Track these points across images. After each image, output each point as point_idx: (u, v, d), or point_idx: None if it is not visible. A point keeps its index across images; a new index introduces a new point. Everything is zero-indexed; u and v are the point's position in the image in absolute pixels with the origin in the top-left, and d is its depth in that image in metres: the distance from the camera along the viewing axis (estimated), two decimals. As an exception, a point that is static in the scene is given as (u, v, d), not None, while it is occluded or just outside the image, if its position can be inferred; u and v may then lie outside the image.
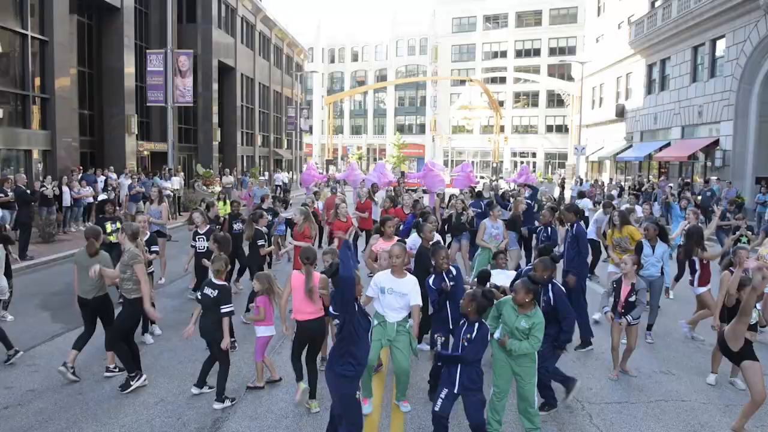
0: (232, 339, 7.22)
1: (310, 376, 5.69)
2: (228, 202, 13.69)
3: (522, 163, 64.43)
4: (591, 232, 11.01)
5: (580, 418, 5.59)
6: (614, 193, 24.16)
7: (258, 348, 6.13)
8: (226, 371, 5.76)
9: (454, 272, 5.99)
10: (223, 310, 5.69)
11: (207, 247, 8.35)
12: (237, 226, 10.03)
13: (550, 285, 5.52)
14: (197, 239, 8.56)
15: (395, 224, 8.10)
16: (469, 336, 4.64)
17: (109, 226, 9.31)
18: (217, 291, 5.73)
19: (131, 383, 5.94)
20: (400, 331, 5.46)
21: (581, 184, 28.78)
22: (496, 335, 4.99)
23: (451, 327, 5.62)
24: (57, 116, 19.64)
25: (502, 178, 46.30)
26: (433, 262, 6.05)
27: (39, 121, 19.53)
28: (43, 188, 15.09)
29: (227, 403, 5.68)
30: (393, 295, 5.42)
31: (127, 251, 6.14)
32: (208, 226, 8.82)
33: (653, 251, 7.86)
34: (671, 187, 23.14)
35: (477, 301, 4.71)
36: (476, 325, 4.67)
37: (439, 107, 70.07)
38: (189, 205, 20.87)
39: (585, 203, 16.13)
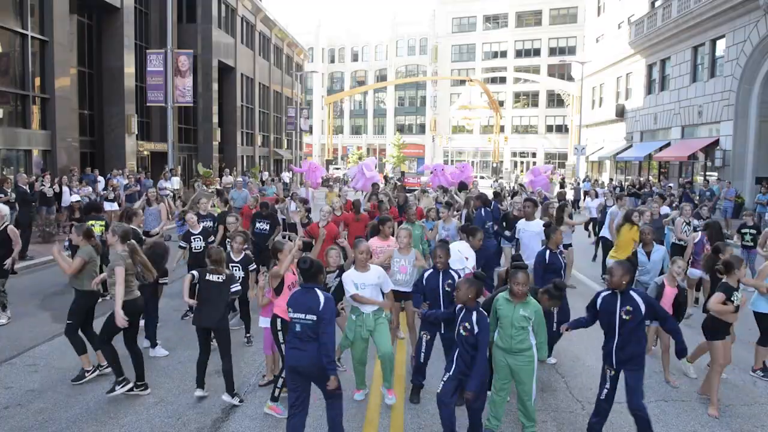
0: (248, 335, 7.47)
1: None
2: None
3: (522, 162, 64.56)
4: (605, 229, 11.36)
5: (580, 418, 5.58)
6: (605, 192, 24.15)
7: (267, 341, 6.15)
8: (230, 362, 5.76)
9: (456, 277, 6.02)
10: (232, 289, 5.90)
11: (203, 246, 8.31)
12: (260, 225, 10.05)
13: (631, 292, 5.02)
14: (193, 239, 8.54)
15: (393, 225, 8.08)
16: (466, 325, 4.75)
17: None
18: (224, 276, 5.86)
19: (116, 388, 5.76)
20: (378, 320, 5.72)
21: (584, 182, 28.90)
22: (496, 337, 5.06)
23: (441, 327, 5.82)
24: (57, 116, 19.65)
25: (501, 178, 46.37)
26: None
27: (39, 121, 19.54)
28: (42, 187, 15.08)
29: (236, 400, 5.71)
30: (366, 289, 5.69)
31: (113, 254, 5.95)
32: (202, 226, 8.78)
33: (648, 258, 7.71)
34: (671, 187, 23.16)
35: (474, 285, 4.81)
36: (474, 313, 4.76)
37: (439, 107, 70.08)
38: (191, 206, 20.85)
39: (589, 204, 16.28)
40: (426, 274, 5.95)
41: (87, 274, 6.24)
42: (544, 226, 7.94)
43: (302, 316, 4.49)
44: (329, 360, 4.40)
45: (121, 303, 5.68)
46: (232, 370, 5.72)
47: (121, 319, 5.65)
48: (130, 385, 5.80)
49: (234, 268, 6.95)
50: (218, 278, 5.78)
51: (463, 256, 6.98)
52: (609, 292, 4.99)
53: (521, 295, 4.90)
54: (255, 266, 7.29)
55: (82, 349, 6.24)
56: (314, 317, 4.45)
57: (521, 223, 9.11)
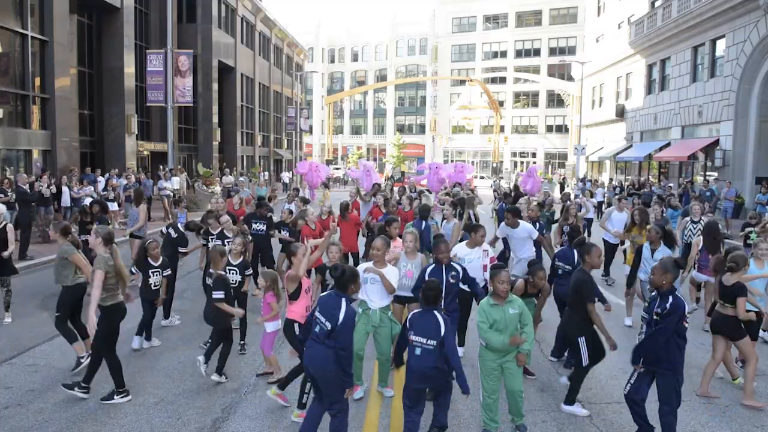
0: (242, 342, 7.22)
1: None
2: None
3: (522, 162, 64.54)
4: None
5: (580, 418, 5.58)
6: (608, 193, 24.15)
7: (266, 343, 6.15)
8: (228, 350, 6.26)
9: (460, 270, 6.09)
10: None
11: None
12: (257, 226, 9.98)
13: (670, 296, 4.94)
14: (210, 239, 8.62)
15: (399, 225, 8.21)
16: (660, 311, 4.79)
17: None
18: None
19: (114, 397, 5.70)
20: (383, 318, 5.78)
21: (584, 183, 28.90)
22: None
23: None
24: (57, 116, 19.66)
25: (502, 178, 46.37)
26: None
27: (39, 121, 19.55)
28: (41, 187, 15.08)
29: (223, 378, 6.16)
30: (375, 284, 5.76)
31: (98, 257, 5.71)
32: (220, 228, 8.83)
33: (652, 254, 7.77)
34: (671, 187, 23.16)
35: (670, 271, 4.85)
36: (670, 297, 4.79)
37: (439, 107, 70.08)
38: (190, 206, 20.85)
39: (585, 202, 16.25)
40: (429, 270, 5.95)
41: (70, 269, 6.62)
42: (574, 240, 7.50)
43: (323, 320, 4.49)
44: (346, 373, 4.44)
45: (95, 308, 5.45)
46: (228, 355, 6.14)
47: (93, 325, 5.41)
48: (129, 397, 5.74)
49: (231, 272, 6.84)
50: (210, 281, 5.87)
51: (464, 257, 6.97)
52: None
53: (505, 293, 4.96)
54: (251, 271, 7.37)
55: (73, 338, 6.52)
56: (329, 326, 4.44)
57: (507, 230, 8.87)
